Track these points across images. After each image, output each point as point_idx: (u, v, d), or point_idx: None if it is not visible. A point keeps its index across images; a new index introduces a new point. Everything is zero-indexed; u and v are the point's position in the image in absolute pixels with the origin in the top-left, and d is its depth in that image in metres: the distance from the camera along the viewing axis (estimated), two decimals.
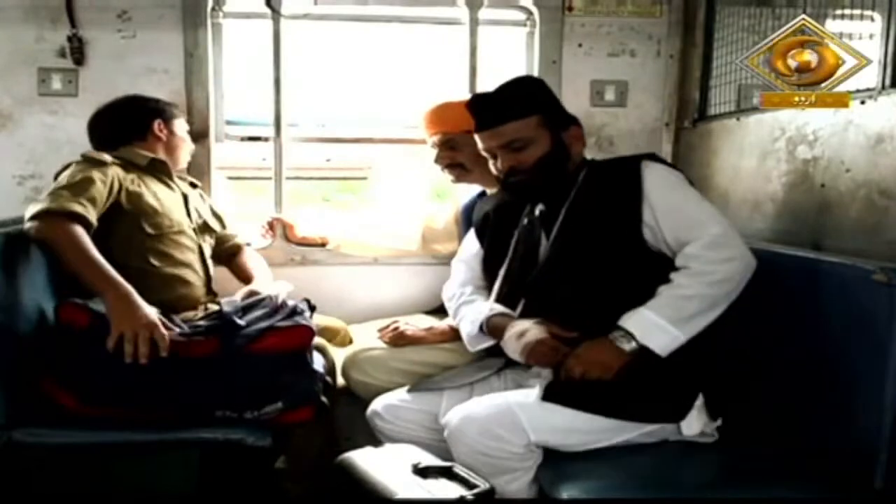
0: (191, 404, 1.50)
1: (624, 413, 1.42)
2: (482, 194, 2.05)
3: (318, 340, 1.71)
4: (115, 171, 1.74)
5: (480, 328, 1.63)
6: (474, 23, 2.31)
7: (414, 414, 1.59)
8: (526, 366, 1.57)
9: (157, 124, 1.91)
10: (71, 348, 1.50)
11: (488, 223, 1.75)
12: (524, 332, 1.51)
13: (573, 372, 1.44)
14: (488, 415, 1.40)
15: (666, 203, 1.46)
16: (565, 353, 1.47)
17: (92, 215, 1.61)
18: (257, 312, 1.60)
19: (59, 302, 1.57)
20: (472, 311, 1.68)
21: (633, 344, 1.42)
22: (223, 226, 2.06)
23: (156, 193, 1.81)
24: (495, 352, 1.64)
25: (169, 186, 1.89)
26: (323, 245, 2.31)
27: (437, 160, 2.01)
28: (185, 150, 2.00)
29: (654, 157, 1.55)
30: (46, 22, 2.18)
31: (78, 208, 1.58)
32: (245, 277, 1.97)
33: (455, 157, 1.97)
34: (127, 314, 1.47)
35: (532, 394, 1.44)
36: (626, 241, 1.48)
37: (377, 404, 1.65)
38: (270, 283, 1.93)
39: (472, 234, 1.82)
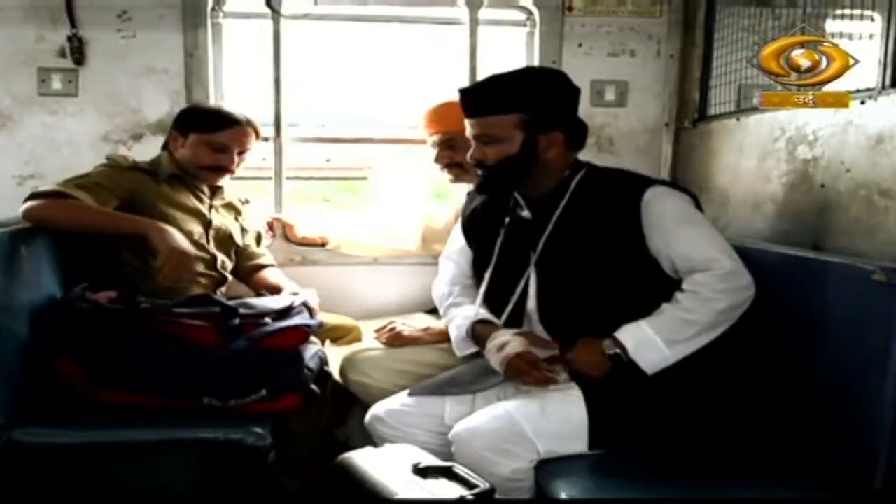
0: (181, 389, 1.51)
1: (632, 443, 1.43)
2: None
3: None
4: (131, 176, 1.77)
5: (466, 334, 1.62)
6: (474, 23, 2.31)
7: (418, 418, 1.57)
8: None
9: (173, 134, 1.90)
10: (88, 331, 1.54)
11: (475, 220, 1.72)
12: (504, 344, 1.50)
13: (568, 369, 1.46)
14: (494, 429, 1.39)
15: (678, 237, 1.45)
16: (545, 368, 1.46)
17: (88, 201, 1.64)
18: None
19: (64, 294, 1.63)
20: (459, 315, 1.66)
21: (624, 359, 1.42)
22: (258, 243, 2.06)
23: (173, 201, 1.82)
24: None
25: (196, 197, 1.89)
26: (323, 245, 2.31)
27: (436, 159, 2.01)
28: (190, 166, 1.88)
29: (662, 183, 1.52)
30: (46, 22, 2.18)
31: (70, 191, 1.63)
32: (270, 290, 1.92)
33: (454, 156, 1.97)
34: (172, 245, 1.59)
35: (531, 401, 1.43)
36: (621, 262, 1.47)
37: (378, 409, 1.61)
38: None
39: (457, 229, 1.79)
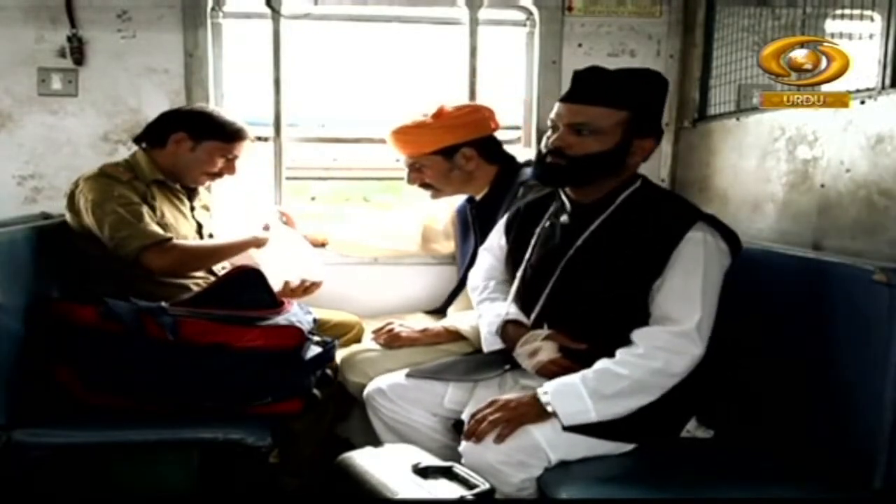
0: (184, 396, 1.51)
1: (628, 436, 1.42)
2: (471, 199, 2.04)
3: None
4: (132, 188, 1.75)
5: (496, 332, 1.60)
6: (474, 23, 2.31)
7: (419, 394, 1.58)
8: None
9: (180, 136, 1.85)
10: (86, 339, 1.52)
11: (517, 218, 1.68)
12: (536, 350, 1.49)
13: (488, 416, 1.38)
14: (510, 442, 1.36)
15: (677, 276, 1.39)
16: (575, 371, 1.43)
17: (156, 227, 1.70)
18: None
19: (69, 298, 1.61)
20: (490, 311, 1.65)
21: (544, 402, 1.38)
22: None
23: (165, 209, 1.83)
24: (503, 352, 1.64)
25: (179, 200, 1.90)
26: (323, 245, 2.30)
27: (408, 181, 2.00)
28: (194, 170, 1.89)
29: (710, 221, 1.44)
30: (46, 22, 2.18)
31: (166, 235, 1.70)
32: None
33: (422, 178, 1.97)
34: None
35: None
36: (639, 287, 1.42)
37: (380, 382, 1.62)
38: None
39: (501, 224, 1.76)
